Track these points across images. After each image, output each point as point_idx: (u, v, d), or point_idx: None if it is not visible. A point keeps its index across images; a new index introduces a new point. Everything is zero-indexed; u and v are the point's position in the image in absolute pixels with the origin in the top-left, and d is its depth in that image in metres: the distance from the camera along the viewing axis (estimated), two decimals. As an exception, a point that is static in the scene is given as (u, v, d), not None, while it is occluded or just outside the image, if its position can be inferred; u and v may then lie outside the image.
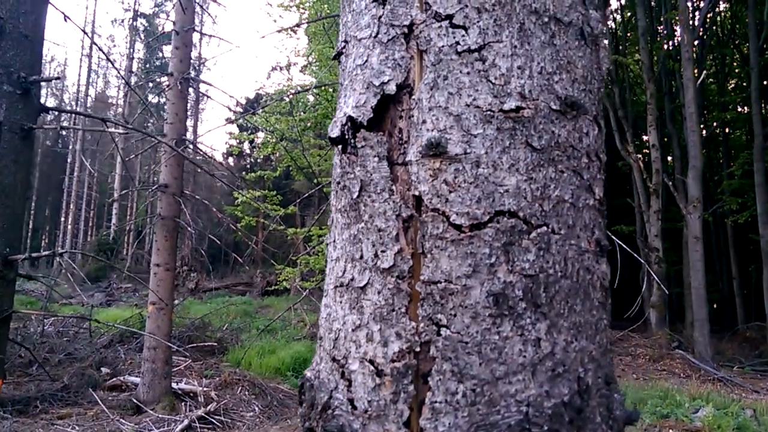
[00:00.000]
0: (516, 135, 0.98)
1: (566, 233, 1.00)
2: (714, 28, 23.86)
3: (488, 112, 0.98)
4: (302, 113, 18.47)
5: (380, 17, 1.07)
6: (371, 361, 0.98)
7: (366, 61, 1.08)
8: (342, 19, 1.20)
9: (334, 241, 1.11)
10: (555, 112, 1.01)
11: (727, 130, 25.24)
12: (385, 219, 1.00)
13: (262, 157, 23.87)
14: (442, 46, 1.02)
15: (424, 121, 1.00)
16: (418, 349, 0.95)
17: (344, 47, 1.18)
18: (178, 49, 9.13)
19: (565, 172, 1.01)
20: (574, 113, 1.03)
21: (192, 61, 10.00)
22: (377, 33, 1.07)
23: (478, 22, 1.01)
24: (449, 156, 0.97)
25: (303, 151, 18.30)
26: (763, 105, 19.57)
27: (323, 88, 16.34)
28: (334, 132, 1.08)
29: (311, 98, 19.10)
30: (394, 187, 1.01)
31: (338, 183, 1.10)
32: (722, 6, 23.72)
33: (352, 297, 1.03)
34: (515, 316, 0.94)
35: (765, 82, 21.66)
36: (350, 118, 1.05)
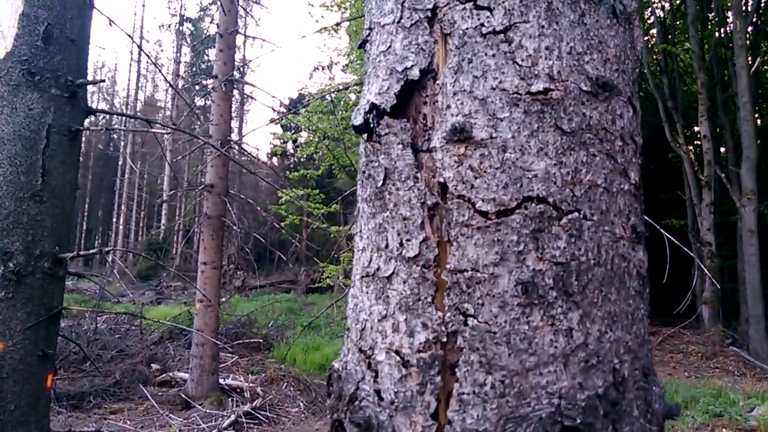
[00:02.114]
0: (544, 118, 0.95)
1: (599, 219, 0.95)
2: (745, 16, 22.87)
3: (515, 95, 0.95)
4: (344, 112, 18.58)
5: (403, 2, 1.05)
6: (397, 352, 0.96)
7: (389, 47, 1.06)
8: (366, 7, 1.19)
9: (360, 231, 1.10)
10: (586, 94, 0.97)
11: None
12: (410, 207, 0.98)
13: (305, 156, 24.11)
14: (467, 29, 0.99)
15: (448, 106, 0.98)
16: (444, 340, 0.93)
17: (369, 35, 1.16)
18: (222, 52, 9.30)
19: (598, 156, 0.97)
20: (606, 94, 0.99)
21: (236, 63, 10.16)
22: (400, 18, 1.05)
23: (503, 2, 0.98)
24: (474, 141, 0.95)
25: (345, 149, 18.41)
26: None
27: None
28: (358, 120, 1.06)
29: (353, 96, 19.19)
30: (418, 175, 0.99)
31: (363, 172, 1.09)
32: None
33: (378, 287, 1.02)
34: (545, 305, 0.91)
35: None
36: (373, 106, 1.04)
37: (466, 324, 0.92)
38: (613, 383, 0.92)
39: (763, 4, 20.47)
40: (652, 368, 1.01)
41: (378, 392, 0.97)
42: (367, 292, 1.04)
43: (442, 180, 0.96)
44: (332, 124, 17.29)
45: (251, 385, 9.00)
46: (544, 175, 0.93)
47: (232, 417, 7.61)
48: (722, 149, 21.16)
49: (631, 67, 1.05)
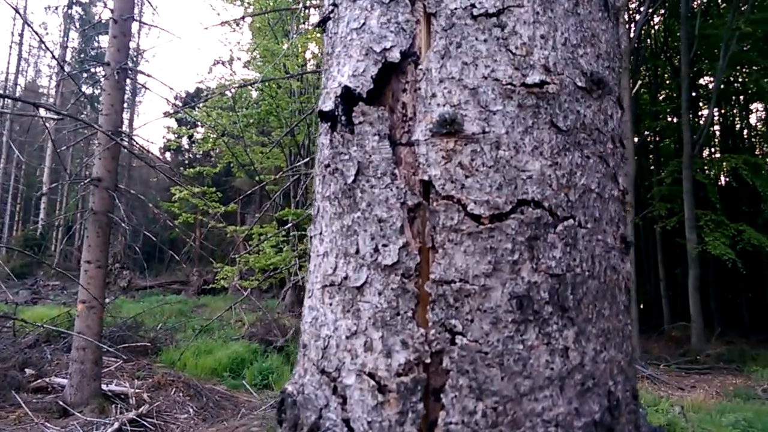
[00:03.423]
0: (539, 113, 0.86)
1: (593, 227, 0.88)
2: (648, 40, 24.84)
3: (508, 86, 0.85)
4: (245, 109, 18.02)
5: (381, -27, 0.93)
6: (371, 375, 0.83)
7: (364, 24, 0.93)
8: (329, -21, 1.05)
9: (321, 233, 0.96)
10: (580, 90, 0.89)
11: (657, 139, 26.32)
12: (387, 208, 0.86)
13: (201, 152, 23.15)
14: (455, 9, 0.88)
15: (433, 95, 0.86)
16: (428, 361, 0.81)
17: (332, 11, 1.02)
18: (115, 38, 8.69)
19: (591, 158, 0.89)
20: (599, 92, 0.92)
21: (130, 51, 9.56)
22: (377, -8, 0.92)
23: (496, -18, 0.88)
24: (465, 135, 0.84)
25: (245, 147, 17.84)
26: (691, 115, 20.49)
27: (267, 84, 15.98)
28: (327, 105, 0.92)
29: (255, 94, 18.67)
30: (397, 171, 0.87)
31: (327, 166, 0.95)
32: (656, 19, 24.71)
33: (345, 298, 0.88)
34: (540, 321, 0.81)
35: (694, 93, 22.71)
36: (346, 89, 0.90)
37: (453, 343, 0.80)
38: (608, 407, 0.84)
39: (644, 32, 22.19)
40: (637, 388, 0.95)
41: (347, 422, 0.83)
42: (331, 304, 0.90)
43: (426, 178, 0.84)
44: (232, 120, 16.69)
45: (137, 390, 8.44)
46: (539, 176, 0.84)
47: (116, 425, 7.07)
48: (604, 164, 22.61)
49: (618, 65, 0.99)
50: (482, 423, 0.78)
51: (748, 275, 20.85)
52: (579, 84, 0.89)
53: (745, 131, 27.33)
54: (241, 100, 18.26)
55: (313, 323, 0.93)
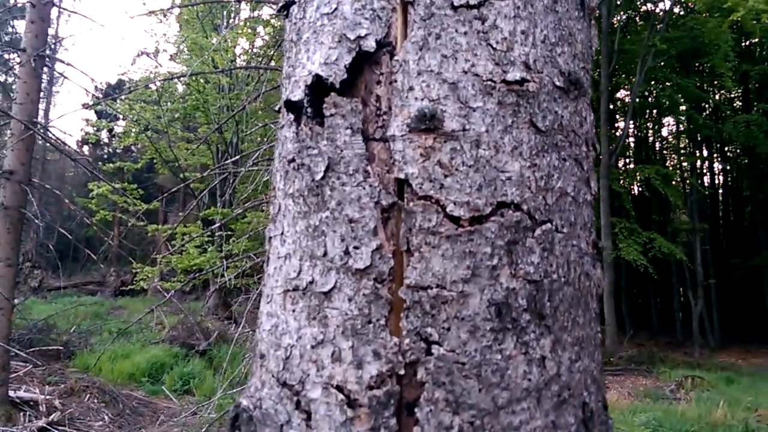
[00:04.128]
0: (519, 112, 0.82)
1: (569, 232, 0.85)
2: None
3: (489, 83, 0.81)
4: (170, 104, 17.37)
5: (354, -44, 0.86)
6: (340, 388, 0.76)
7: (335, 9, 0.86)
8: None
9: (283, 233, 0.88)
10: (558, 90, 0.87)
11: (577, 149, 27.37)
12: (360, 207, 0.80)
13: (122, 147, 22.13)
14: (434, -1, 0.83)
15: (411, 88, 0.81)
16: (402, 372, 0.75)
17: (297, -5, 0.95)
18: (33, 24, 8.15)
19: (568, 161, 0.87)
20: (576, 93, 0.89)
21: (48, 38, 9.01)
22: (351, -25, 0.86)
23: (477, -27, 0.84)
24: (445, 132, 0.79)
25: (170, 143, 17.18)
26: (608, 127, 21.49)
27: (195, 78, 15.48)
28: (296, 94, 0.85)
29: (181, 88, 18.04)
30: (370, 168, 0.81)
31: (291, 161, 0.87)
32: (578, 34, 25.74)
33: (311, 305, 0.81)
34: (518, 330, 0.77)
35: (612, 106, 23.84)
36: (317, 78, 0.83)
37: (429, 353, 0.75)
38: (583, 420, 0.81)
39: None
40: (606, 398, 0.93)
41: (312, 439, 0.77)
42: (294, 311, 0.83)
43: (402, 176, 0.79)
44: (156, 115, 16.04)
45: (48, 397, 7.95)
46: (518, 178, 0.80)
47: (24, 434, 6.63)
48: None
49: (591, 67, 0.97)
50: (460, 439, 0.73)
51: (658, 281, 22.06)
52: (557, 84, 0.86)
53: (658, 143, 28.99)
54: (167, 94, 17.58)
55: (273, 331, 0.86)
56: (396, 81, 0.82)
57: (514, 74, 0.82)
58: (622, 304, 23.70)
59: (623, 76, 24.21)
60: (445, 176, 0.78)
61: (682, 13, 21.83)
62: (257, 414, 0.82)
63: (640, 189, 26.13)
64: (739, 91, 25.96)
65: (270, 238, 0.92)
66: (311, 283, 0.81)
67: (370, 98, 0.84)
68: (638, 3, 23.46)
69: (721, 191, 30.13)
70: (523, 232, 0.79)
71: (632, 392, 12.48)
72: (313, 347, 0.79)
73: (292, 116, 0.88)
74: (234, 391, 4.74)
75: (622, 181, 20.88)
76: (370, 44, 0.83)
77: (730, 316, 26.56)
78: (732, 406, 9.29)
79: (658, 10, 20.22)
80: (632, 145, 27.43)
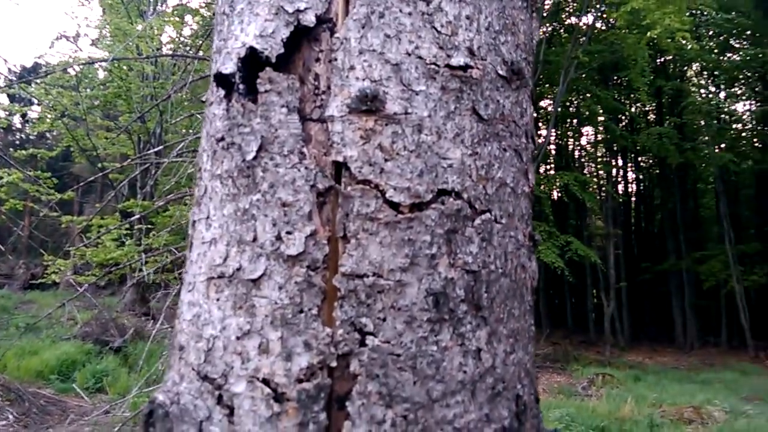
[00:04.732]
0: (462, 99, 0.80)
1: (507, 223, 0.84)
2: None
3: (432, 66, 0.79)
4: (90, 90, 16.50)
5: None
6: (266, 381, 0.72)
7: (273, -21, 0.81)
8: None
9: (209, 217, 0.82)
10: (501, 78, 0.85)
11: (502, 153, 28.13)
12: (294, 190, 0.75)
13: (36, 133, 20.82)
14: (378, -24, 0.79)
15: (352, 67, 0.77)
16: (333, 364, 0.71)
17: (231, -35, 0.89)
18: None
19: (508, 151, 0.85)
20: (518, 83, 0.88)
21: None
22: (291, -56, 0.81)
23: (423, -47, 0.81)
24: (386, 115, 0.76)
25: (88, 131, 16.31)
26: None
27: (117, 65, 14.77)
28: (227, 67, 0.79)
29: (102, 74, 17.17)
30: (306, 150, 0.76)
31: (221, 140, 0.82)
32: (506, 42, 26.46)
33: (237, 293, 0.76)
34: (455, 321, 0.75)
35: (536, 114, 24.61)
36: (252, 51, 0.78)
37: (363, 344, 0.72)
38: (516, 413, 0.80)
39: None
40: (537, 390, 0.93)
41: (235, 437, 0.71)
42: (218, 299, 0.77)
43: (340, 159, 0.75)
44: (75, 101, 15.19)
45: (-56, 397, 7.36)
46: (459, 166, 0.78)
47: None
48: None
49: (532, 60, 0.97)
50: (392, 433, 0.70)
51: (574, 283, 23.02)
52: (500, 72, 0.85)
53: (577, 152, 30.25)
54: (87, 79, 16.68)
55: (194, 321, 0.80)
56: (336, 59, 0.78)
57: (458, 59, 0.80)
58: (540, 304, 24.57)
59: (547, 86, 25.09)
60: (386, 160, 0.75)
61: (603, 28, 22.87)
62: (174, 410, 0.76)
63: (560, 194, 27.17)
64: (653, 104, 27.50)
65: (194, 222, 0.86)
66: (238, 270, 0.76)
67: (308, 76, 0.79)
68: (563, 16, 24.39)
69: (634, 199, 31.83)
70: (462, 221, 0.77)
71: (547, 389, 12.93)
72: (238, 338, 0.74)
73: (222, 92, 0.83)
74: (150, 389, 4.55)
75: (543, 187, 21.58)
76: (309, 19, 0.78)
77: (639, 317, 28.10)
78: (639, 402, 9.79)
79: (581, 24, 21.08)
80: (554, 152, 28.47)
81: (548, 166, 28.40)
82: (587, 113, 24.10)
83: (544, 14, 21.59)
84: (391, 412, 0.70)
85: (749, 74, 22.78)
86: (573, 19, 23.38)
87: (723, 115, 24.04)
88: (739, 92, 24.50)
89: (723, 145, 24.10)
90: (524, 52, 0.91)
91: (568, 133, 29.59)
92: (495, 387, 0.77)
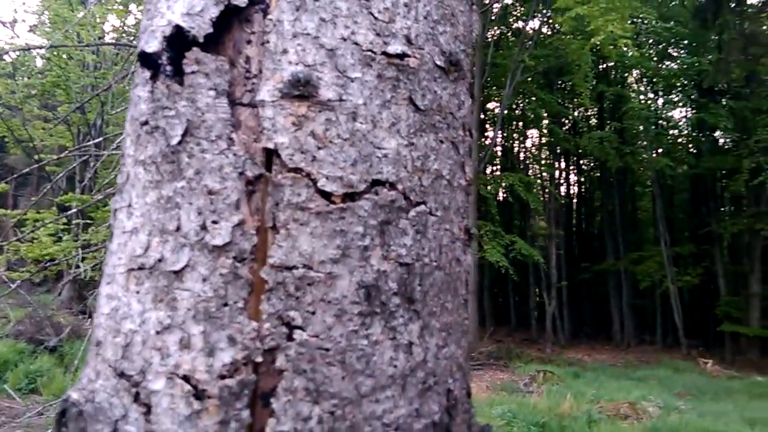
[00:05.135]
0: (399, 88, 0.78)
1: (442, 215, 0.82)
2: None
3: (368, 53, 0.77)
4: (26, 78, 15.77)
5: None
6: (187, 378, 0.68)
7: (203, -44, 0.77)
8: None
9: (131, 205, 0.78)
10: (439, 69, 0.84)
11: (450, 154, 28.49)
12: (221, 178, 0.72)
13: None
14: (313, -42, 0.77)
15: (285, 51, 0.74)
16: (259, 360, 0.68)
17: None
18: None
19: (444, 143, 0.84)
20: (456, 74, 0.87)
21: None
22: None
23: (361, -64, 0.79)
24: (320, 101, 0.73)
25: (24, 121, 15.60)
26: (479, 135, 22.56)
27: (56, 53, 14.18)
28: (151, 45, 0.75)
29: (40, 62, 16.44)
30: (235, 135, 0.73)
31: (144, 123, 0.77)
32: (456, 44, 26.78)
33: (158, 285, 0.72)
34: (387, 314, 0.73)
35: (483, 116, 25.03)
36: (178, 30, 0.74)
37: (291, 338, 0.69)
38: (447, 407, 0.79)
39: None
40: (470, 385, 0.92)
41: (151, 436, 0.67)
42: (138, 292, 0.73)
43: (271, 146, 0.72)
44: (10, 89, 14.49)
45: None
46: (395, 156, 0.77)
47: None
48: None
49: (471, 52, 0.96)
50: (317, 430, 0.67)
51: (517, 281, 23.50)
52: (438, 63, 0.84)
53: (522, 153, 30.91)
54: (23, 67, 15.94)
55: (112, 315, 0.75)
56: (269, 42, 0.75)
57: (395, 47, 0.78)
58: (484, 302, 24.97)
59: (494, 88, 25.53)
60: (319, 148, 0.72)
61: (549, 33, 23.44)
62: (88, 408, 0.71)
63: (505, 195, 27.71)
64: (595, 109, 28.37)
65: (115, 210, 0.81)
66: (160, 260, 0.72)
67: (238, 59, 0.76)
68: (510, 20, 24.88)
69: (575, 201, 32.76)
70: (397, 213, 0.76)
71: (490, 386, 13.15)
72: (158, 333, 0.70)
73: (148, 73, 0.78)
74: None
75: (489, 187, 21.96)
76: (241, -2, 0.75)
77: (579, 315, 28.95)
78: (578, 398, 10.07)
79: (528, 29, 21.54)
80: (500, 153, 29.01)
81: (495, 168, 28.90)
82: (532, 116, 24.66)
83: (492, 17, 21.96)
84: (318, 408, 0.68)
85: (686, 82, 23.77)
86: (520, 24, 23.86)
87: (660, 121, 25.04)
88: (675, 99, 25.56)
89: (660, 150, 25.10)
90: (463, 43, 0.90)
91: (514, 135, 30.20)
92: (426, 381, 0.76)
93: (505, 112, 23.42)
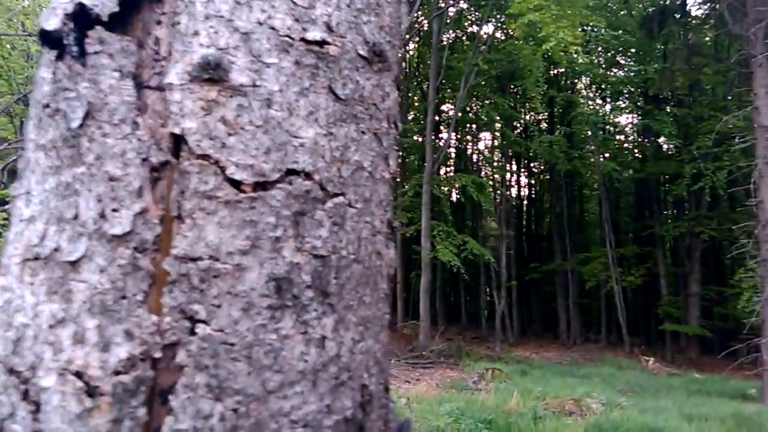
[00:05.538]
0: (318, 76, 0.76)
1: (362, 208, 0.81)
2: (403, 63, 26.98)
3: (286, 39, 0.74)
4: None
5: None
6: (79, 374, 0.64)
7: (111, -70, 0.73)
8: None
9: (29, 192, 0.73)
10: (362, 59, 0.82)
11: (404, 155, 28.68)
12: (124, 163, 0.68)
13: None
14: (229, -62, 0.74)
15: (196, 33, 0.71)
16: (158, 355, 0.65)
17: None
18: None
19: (367, 134, 0.82)
20: (380, 65, 0.85)
21: None
22: None
23: None
24: (231, 85, 0.70)
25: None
26: (433, 137, 22.72)
27: (-3, 40, 13.57)
28: (51, 23, 0.70)
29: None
30: (141, 120, 0.69)
31: (46, 106, 0.73)
32: (412, 46, 26.94)
33: (53, 276, 0.68)
34: (299, 308, 0.71)
35: (437, 118, 25.24)
36: (81, 7, 0.70)
37: (193, 332, 0.66)
38: (360, 403, 0.77)
39: (399, 54, 23.91)
40: (389, 380, 0.90)
41: (39, 436, 0.63)
42: (32, 284, 0.69)
43: (178, 131, 0.69)
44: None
45: None
46: (312, 145, 0.74)
47: None
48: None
49: (398, 44, 0.94)
50: (219, 428, 0.65)
51: (469, 281, 23.78)
52: (361, 52, 0.82)
53: (475, 155, 31.30)
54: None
55: (5, 308, 0.71)
56: (180, 23, 0.71)
57: (315, 34, 0.76)
58: (436, 301, 25.16)
59: (449, 90, 25.76)
60: (229, 135, 0.69)
61: (503, 38, 23.79)
62: (-26, 408, 0.67)
63: (458, 196, 28.00)
64: (546, 114, 28.99)
65: (14, 197, 0.76)
66: (56, 250, 0.68)
67: (147, 40, 0.72)
68: (465, 24, 25.15)
69: (525, 202, 33.39)
70: (312, 204, 0.73)
71: (440, 383, 13.24)
72: (51, 327, 0.66)
73: (53, 54, 0.74)
74: None
75: (442, 188, 22.15)
76: (149, -24, 0.71)
77: (528, 314, 29.53)
78: (524, 395, 10.25)
79: (482, 33, 21.81)
80: (453, 155, 29.29)
81: (448, 169, 29.15)
82: (485, 119, 24.98)
83: (448, 21, 22.13)
84: (220, 406, 0.65)
85: (632, 89, 24.51)
86: (475, 28, 24.15)
87: (608, 126, 25.75)
88: (622, 105, 26.35)
89: (607, 155, 25.81)
90: (389, 35, 0.89)
91: (468, 137, 30.53)
92: (339, 376, 0.74)
93: (459, 114, 23.65)
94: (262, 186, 0.70)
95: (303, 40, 0.75)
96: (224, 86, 0.70)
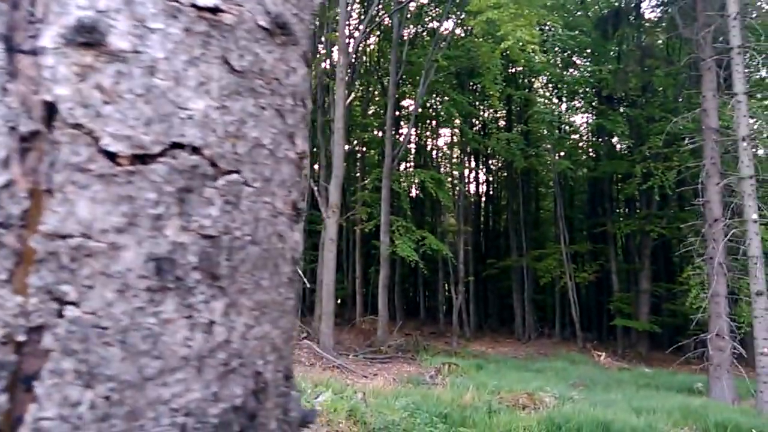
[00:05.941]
0: (210, 45, 0.72)
1: (261, 187, 0.77)
2: (364, 57, 26.90)
3: (174, 3, 0.69)
4: None
5: None
6: (-69, 359, 0.59)
7: None
8: None
9: None
10: (262, 30, 0.78)
11: (364, 149, 28.63)
12: (-12, 131, 0.63)
13: None
14: None
15: (73, -7, 0.66)
16: (23, 339, 0.60)
17: None
18: None
19: (267, 110, 0.78)
20: (283, 38, 0.82)
21: None
22: None
23: None
24: (109, 51, 0.65)
25: None
26: (393, 132, 22.73)
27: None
28: None
29: None
30: (11, 86, 0.64)
31: None
32: (372, 39, 26.86)
33: None
34: (184, 291, 0.67)
35: (397, 113, 25.26)
36: (-63, -42, 0.64)
37: (60, 315, 0.61)
38: (253, 391, 0.74)
39: (361, 49, 23.89)
40: (292, 369, 0.87)
41: None
42: None
43: (50, 98, 0.64)
44: None
45: None
46: (202, 118, 0.70)
47: None
48: (316, 166, 23.77)
49: (308, 19, 0.90)
50: (88, 417, 0.60)
51: (427, 276, 23.93)
52: (261, 23, 0.78)
53: (434, 151, 31.47)
54: None
55: None
56: (55, -17, 0.66)
57: (207, 0, 0.71)
58: (395, 296, 25.23)
59: (409, 86, 25.80)
60: (105, 103, 0.64)
61: (462, 35, 23.95)
62: None
63: (417, 191, 28.11)
64: (504, 111, 29.34)
65: None
66: None
67: (23, 1, 0.67)
68: (426, 20, 25.21)
69: (483, 199, 33.78)
70: (201, 180, 0.69)
71: (397, 378, 13.28)
72: None
73: None
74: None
75: (402, 183, 22.19)
76: (21, -70, 0.66)
77: (484, 309, 29.88)
78: (480, 389, 10.37)
79: (442, 29, 21.91)
80: (413, 150, 29.38)
81: (408, 164, 29.23)
82: (445, 115, 25.13)
83: (408, 16, 22.14)
84: (90, 393, 0.61)
85: (587, 89, 25.02)
86: (435, 24, 24.22)
87: (563, 125, 26.23)
88: (578, 105, 26.88)
89: (562, 153, 26.30)
90: (295, 7, 0.85)
91: (427, 133, 30.66)
92: (229, 363, 0.70)
93: (419, 110, 23.72)
94: (141, 159, 0.65)
95: (193, 6, 0.70)
96: (101, 51, 0.65)
